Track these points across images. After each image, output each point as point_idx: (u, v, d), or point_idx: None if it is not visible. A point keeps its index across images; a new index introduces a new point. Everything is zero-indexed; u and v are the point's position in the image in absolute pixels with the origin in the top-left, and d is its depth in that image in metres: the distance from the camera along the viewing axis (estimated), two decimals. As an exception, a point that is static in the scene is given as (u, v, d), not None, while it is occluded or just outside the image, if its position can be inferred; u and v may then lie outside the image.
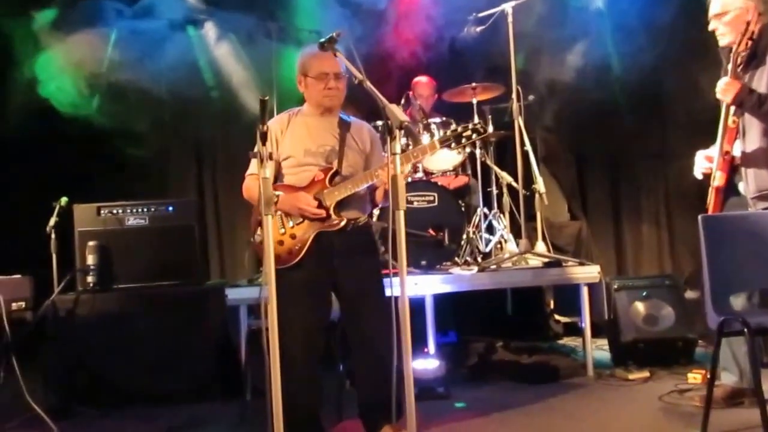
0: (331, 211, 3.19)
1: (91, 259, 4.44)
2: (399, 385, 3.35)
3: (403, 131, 2.23)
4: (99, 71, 5.81)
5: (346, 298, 3.27)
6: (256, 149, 2.32)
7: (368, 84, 2.48)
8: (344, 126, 3.31)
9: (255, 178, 3.27)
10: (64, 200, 4.62)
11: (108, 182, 5.87)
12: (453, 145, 3.19)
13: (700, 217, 3.04)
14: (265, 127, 2.40)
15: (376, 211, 4.43)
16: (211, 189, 6.61)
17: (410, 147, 3.63)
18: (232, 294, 4.51)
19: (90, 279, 4.43)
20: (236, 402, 4.37)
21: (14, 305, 3.14)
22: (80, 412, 4.16)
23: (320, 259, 3.19)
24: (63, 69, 5.78)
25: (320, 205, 3.17)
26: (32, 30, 5.71)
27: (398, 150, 2.25)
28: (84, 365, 4.33)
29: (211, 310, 4.52)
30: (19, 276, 3.05)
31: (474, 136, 3.16)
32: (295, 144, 3.27)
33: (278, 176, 3.30)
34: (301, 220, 3.19)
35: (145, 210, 4.63)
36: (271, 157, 2.34)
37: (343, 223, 3.21)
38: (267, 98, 2.35)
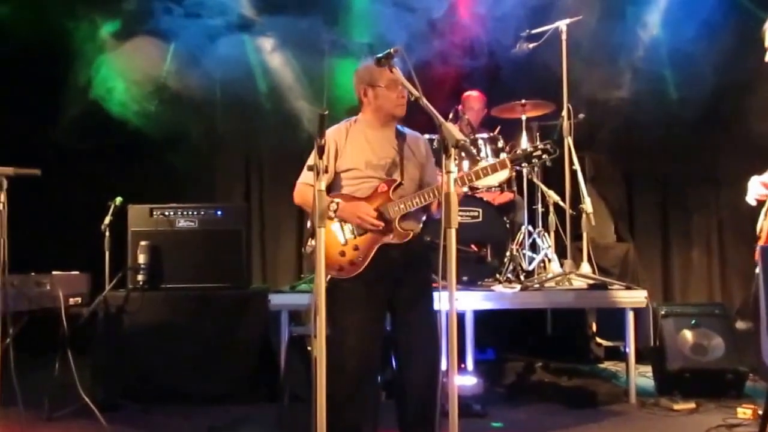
0: (396, 224, 3.17)
1: (142, 258, 4.57)
2: (438, 401, 3.38)
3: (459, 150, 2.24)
4: (156, 78, 5.96)
5: (399, 309, 3.24)
6: (312, 162, 2.35)
7: (425, 101, 2.50)
8: (401, 137, 3.31)
9: (308, 187, 3.29)
10: (119, 200, 4.73)
11: (159, 185, 6.00)
12: (523, 164, 3.18)
13: (759, 247, 2.96)
14: (323, 141, 2.43)
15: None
16: (257, 195, 6.70)
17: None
18: (275, 299, 4.57)
19: (140, 277, 4.56)
20: (273, 406, 4.44)
21: (71, 300, 3.24)
22: (124, 406, 4.26)
23: (382, 272, 3.17)
24: (120, 75, 5.96)
25: (381, 218, 3.15)
26: (93, 35, 5.88)
27: (453, 168, 2.26)
28: (130, 361, 4.44)
29: (253, 314, 4.60)
30: (77, 272, 3.14)
31: (545, 156, 3.14)
32: (356, 156, 3.25)
33: (334, 186, 3.28)
34: (363, 231, 3.19)
35: (196, 213, 4.74)
36: (326, 170, 2.36)
37: (408, 238, 3.19)
38: (326, 112, 2.38)
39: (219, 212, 4.77)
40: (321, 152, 2.39)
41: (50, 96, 5.82)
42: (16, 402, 2.58)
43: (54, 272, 2.99)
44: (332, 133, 3.28)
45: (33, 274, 2.82)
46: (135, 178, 5.89)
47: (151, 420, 4.06)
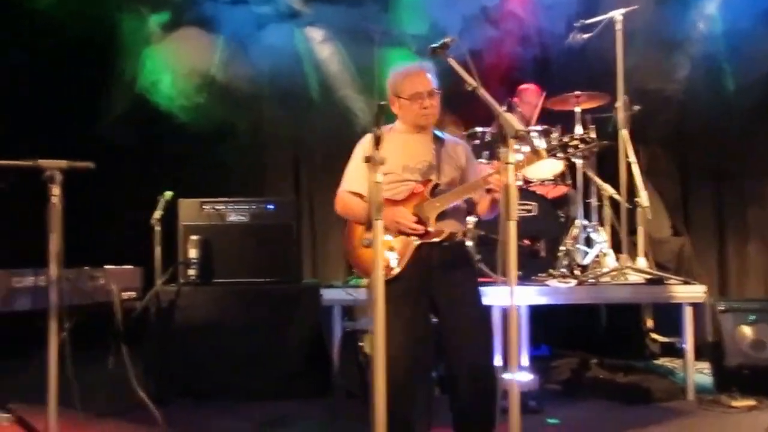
0: (432, 223, 3.14)
1: (193, 253, 4.57)
2: (493, 397, 3.32)
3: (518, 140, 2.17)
4: (204, 70, 5.98)
5: (443, 309, 3.20)
6: (368, 153, 2.31)
7: (482, 91, 2.43)
8: (439, 142, 3.30)
9: (349, 194, 3.27)
10: (168, 194, 4.76)
11: (207, 179, 6.03)
12: (559, 154, 3.10)
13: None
14: (380, 131, 2.39)
15: (471, 218, 4.37)
16: (306, 190, 6.69)
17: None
18: (327, 295, 4.56)
19: (191, 272, 4.57)
20: (325, 402, 4.43)
21: (125, 294, 3.27)
22: (176, 401, 4.28)
23: (419, 272, 3.13)
24: (168, 67, 6.00)
25: (419, 221, 3.13)
26: (141, 27, 5.93)
27: (512, 159, 2.19)
28: (181, 356, 4.46)
29: (304, 309, 4.58)
30: (130, 267, 3.16)
31: (581, 145, 3.06)
32: (392, 159, 3.17)
33: None
34: (399, 233, 3.15)
35: (246, 207, 4.74)
36: (384, 162, 2.32)
37: (444, 236, 3.14)
38: (385, 103, 2.34)
39: (270, 206, 4.75)
40: (378, 142, 2.34)
41: (98, 90, 5.90)
42: (71, 396, 2.59)
43: (107, 266, 3.00)
44: (366, 141, 3.25)
45: (87, 268, 2.83)
46: (183, 172, 5.92)
47: (203, 415, 4.09)
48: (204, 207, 4.73)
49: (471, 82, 2.47)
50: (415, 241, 3.13)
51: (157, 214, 4.67)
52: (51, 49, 5.70)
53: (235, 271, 4.67)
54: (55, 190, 2.58)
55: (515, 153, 2.20)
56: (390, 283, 3.09)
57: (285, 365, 4.51)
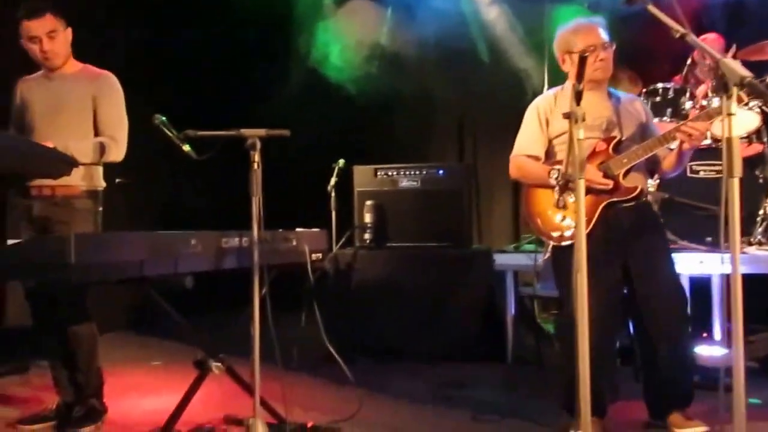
0: (621, 180, 3.00)
1: (368, 218, 4.71)
2: (691, 370, 3.13)
3: (745, 89, 1.97)
4: (373, 40, 6.04)
5: (637, 275, 3.05)
6: (569, 109, 2.20)
7: (692, 37, 2.23)
8: (615, 98, 3.18)
9: (525, 157, 3.19)
10: (341, 162, 4.93)
11: (377, 146, 6.13)
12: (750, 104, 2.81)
13: None
14: (581, 86, 2.28)
15: (651, 181, 4.11)
16: (471, 155, 6.63)
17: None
18: (500, 259, 4.49)
19: (367, 236, 4.70)
20: (498, 366, 4.40)
21: (313, 256, 3.38)
22: (354, 360, 4.42)
23: (608, 234, 3.00)
24: (339, 39, 6.11)
25: (606, 176, 3.00)
26: (316, 1, 6.08)
27: (734, 110, 1.99)
28: (359, 317, 4.60)
29: (477, 273, 4.56)
30: (318, 230, 3.26)
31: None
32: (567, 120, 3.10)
33: (549, 154, 3.19)
34: (585, 193, 3.01)
35: (418, 173, 4.78)
36: (584, 117, 2.21)
37: (636, 192, 2.99)
38: (587, 54, 2.22)
39: (441, 172, 4.77)
40: (579, 98, 2.23)
41: (276, 62, 6.12)
42: (270, 351, 2.73)
43: (298, 229, 3.12)
44: (541, 101, 3.23)
45: (281, 230, 2.96)
46: (354, 141, 6.05)
47: (382, 375, 4.19)
48: (377, 173, 4.83)
49: (678, 28, 2.27)
50: (605, 201, 2.99)
51: (332, 181, 4.86)
52: (225, 25, 5.99)
53: (408, 236, 4.75)
54: (256, 157, 2.69)
55: (738, 105, 2.00)
56: (573, 248, 3.01)
57: (458, 329, 4.53)
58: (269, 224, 2.72)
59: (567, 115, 2.16)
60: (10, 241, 2.87)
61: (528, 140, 3.20)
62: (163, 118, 2.78)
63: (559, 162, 3.07)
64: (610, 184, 2.98)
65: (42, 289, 3.11)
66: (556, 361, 4.30)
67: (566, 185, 2.83)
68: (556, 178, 2.98)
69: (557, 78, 3.46)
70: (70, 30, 3.26)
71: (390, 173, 4.81)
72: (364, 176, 4.84)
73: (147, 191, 5.72)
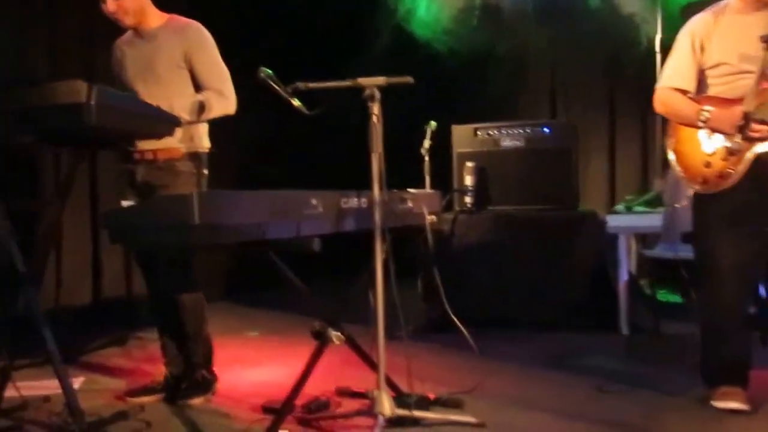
0: None
1: (468, 180, 4.47)
2: None
3: None
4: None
5: None
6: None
7: None
8: None
9: (671, 90, 2.88)
10: (433, 124, 4.67)
11: (469, 104, 5.85)
12: None
13: None
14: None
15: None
16: (563, 113, 6.28)
17: None
18: (613, 221, 4.20)
19: (467, 200, 4.47)
20: (610, 336, 4.14)
21: (428, 218, 3.20)
22: (453, 328, 4.23)
23: (759, 185, 2.70)
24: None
25: (763, 122, 2.65)
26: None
27: None
28: (460, 284, 4.37)
29: (586, 237, 4.29)
30: (432, 191, 3.07)
31: None
32: (726, 48, 2.76)
33: (700, 87, 2.87)
34: (738, 138, 2.70)
35: (521, 131, 4.51)
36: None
37: None
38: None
39: (546, 129, 4.47)
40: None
41: (363, 20, 5.91)
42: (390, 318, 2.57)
43: (411, 190, 2.92)
44: (696, 23, 2.86)
45: (395, 191, 2.76)
46: (443, 98, 5.78)
47: (489, 342, 3.98)
48: (477, 133, 4.57)
49: None
50: (758, 148, 2.67)
51: (426, 143, 4.61)
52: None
53: (511, 198, 4.50)
54: (375, 109, 2.50)
55: None
56: (718, 198, 2.75)
57: (567, 296, 4.28)
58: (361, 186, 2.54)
59: (765, 39, 1.82)
60: (124, 203, 2.76)
61: (676, 71, 2.89)
62: (270, 72, 2.60)
63: (709, 99, 2.77)
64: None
65: (162, 254, 3.00)
66: (674, 330, 4.04)
67: (745, 126, 2.52)
68: (704, 120, 2.70)
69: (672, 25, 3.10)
70: None
71: (491, 132, 4.54)
72: (463, 136, 4.58)
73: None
